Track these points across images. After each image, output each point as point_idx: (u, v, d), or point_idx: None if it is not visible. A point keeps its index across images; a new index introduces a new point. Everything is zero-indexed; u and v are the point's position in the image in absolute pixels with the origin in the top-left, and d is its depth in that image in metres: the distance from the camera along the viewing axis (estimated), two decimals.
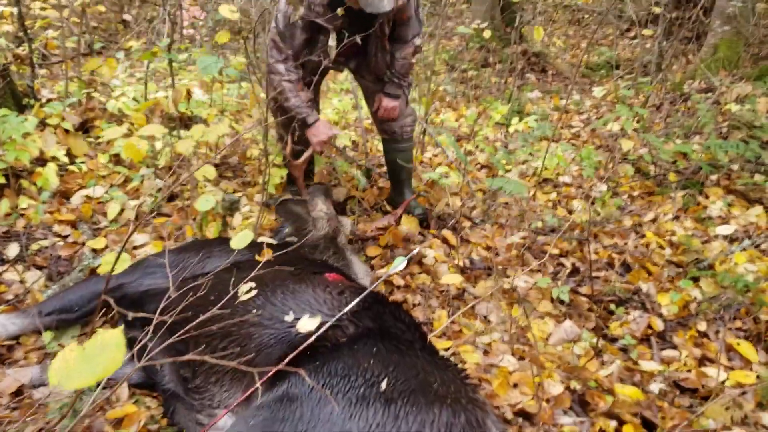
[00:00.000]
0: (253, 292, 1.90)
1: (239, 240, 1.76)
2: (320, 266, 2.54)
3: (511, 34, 6.03)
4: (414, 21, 3.28)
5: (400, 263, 1.86)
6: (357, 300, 1.89)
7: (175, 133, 3.17)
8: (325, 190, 3.34)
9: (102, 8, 6.93)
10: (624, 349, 2.74)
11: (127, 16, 7.53)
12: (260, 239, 2.66)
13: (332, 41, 3.09)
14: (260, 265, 1.98)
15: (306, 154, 3.21)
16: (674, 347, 2.75)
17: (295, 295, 2.08)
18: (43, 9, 4.95)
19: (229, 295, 1.87)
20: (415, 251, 1.98)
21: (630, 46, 9.13)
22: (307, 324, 1.83)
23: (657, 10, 5.89)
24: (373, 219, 3.61)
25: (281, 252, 2.71)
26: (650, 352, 2.72)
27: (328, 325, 1.88)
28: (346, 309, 1.88)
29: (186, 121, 3.75)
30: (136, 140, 2.63)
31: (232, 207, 2.96)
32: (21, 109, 3.90)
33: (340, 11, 2.86)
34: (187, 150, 2.47)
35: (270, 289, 2.11)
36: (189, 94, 3.48)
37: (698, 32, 7.25)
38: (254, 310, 2.03)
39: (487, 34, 5.50)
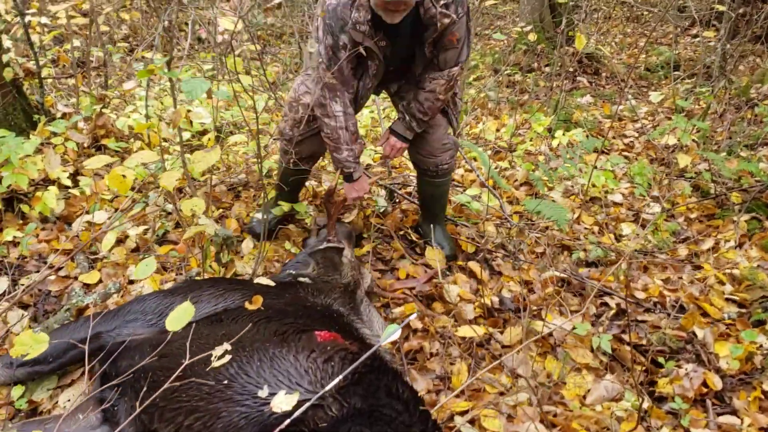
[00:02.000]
0: (227, 358, 1.62)
1: (174, 321, 1.46)
2: (317, 316, 2.24)
3: (557, 36, 5.58)
4: (465, 46, 2.80)
5: (393, 331, 1.55)
6: (345, 373, 1.59)
7: (170, 158, 2.92)
8: (348, 233, 3.04)
9: (137, 14, 6.81)
10: (674, 413, 2.34)
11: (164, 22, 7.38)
12: (256, 279, 2.40)
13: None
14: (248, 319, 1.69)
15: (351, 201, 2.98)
16: (734, 412, 2.34)
17: (274, 362, 1.78)
18: (71, 17, 4.81)
19: (203, 355, 1.59)
20: (412, 316, 1.65)
21: (692, 44, 8.52)
22: (283, 402, 1.55)
23: (721, 8, 5.36)
24: (394, 250, 3.28)
25: (279, 289, 2.44)
26: (705, 418, 2.31)
27: (306, 405, 1.57)
28: (330, 385, 1.57)
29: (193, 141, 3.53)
30: (122, 169, 2.38)
31: (226, 242, 2.68)
32: (33, 125, 3.73)
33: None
34: (170, 184, 2.21)
35: (246, 354, 1.81)
36: (189, 114, 3.23)
37: None
38: (225, 381, 1.74)
39: (532, 37, 5.09)
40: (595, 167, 3.91)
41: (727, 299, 3.01)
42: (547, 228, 3.59)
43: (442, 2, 2.61)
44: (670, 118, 5.60)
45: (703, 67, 6.22)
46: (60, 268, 2.89)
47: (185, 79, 2.20)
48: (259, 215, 3.20)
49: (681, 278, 3.18)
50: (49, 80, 4.22)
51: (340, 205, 2.90)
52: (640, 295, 3.04)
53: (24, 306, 2.66)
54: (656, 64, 7.64)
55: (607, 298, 2.99)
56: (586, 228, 3.73)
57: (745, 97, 5.52)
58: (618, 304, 2.93)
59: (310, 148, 3.04)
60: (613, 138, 5.24)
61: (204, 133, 3.94)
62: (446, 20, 2.61)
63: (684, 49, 8.30)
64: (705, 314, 2.91)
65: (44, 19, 4.54)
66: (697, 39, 8.33)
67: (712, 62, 6.09)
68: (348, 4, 2.56)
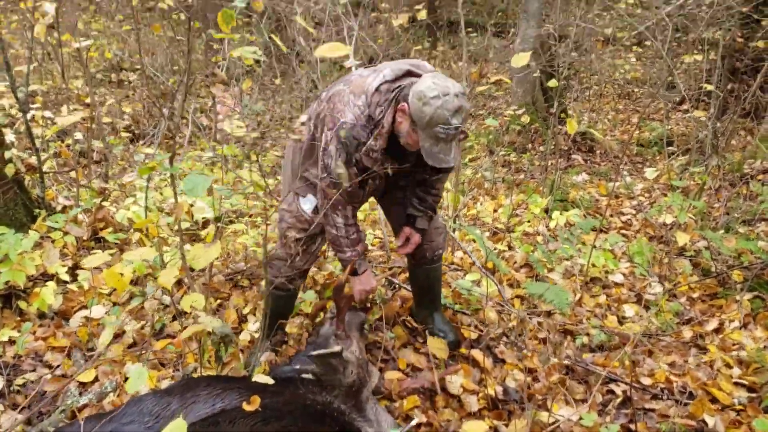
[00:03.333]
0: None
1: None
2: (316, 416, 2.18)
3: (550, 118, 5.69)
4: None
5: None
6: None
7: (169, 250, 2.93)
8: (361, 324, 2.99)
9: (139, 105, 6.96)
10: None
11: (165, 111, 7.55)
12: (255, 377, 2.36)
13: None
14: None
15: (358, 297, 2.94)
16: None
17: None
18: (75, 110, 4.92)
19: None
20: (413, 422, 1.61)
21: (683, 120, 8.68)
22: None
23: (709, 87, 5.49)
24: (396, 338, 3.23)
25: (278, 387, 2.39)
26: None
27: None
28: None
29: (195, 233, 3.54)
30: (120, 267, 2.38)
31: (225, 340, 2.65)
32: (33, 219, 3.76)
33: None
34: (168, 282, 2.20)
35: None
36: (191, 208, 3.26)
37: (757, 106, 6.78)
38: None
39: (525, 119, 5.19)
40: (594, 246, 3.91)
41: (735, 383, 2.95)
42: (549, 312, 3.56)
43: None
44: (666, 195, 5.65)
45: (695, 143, 6.32)
46: (56, 367, 2.85)
47: (186, 177, 2.22)
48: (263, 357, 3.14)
49: (687, 362, 3.13)
50: (51, 173, 4.28)
51: (350, 300, 2.86)
52: (647, 380, 2.98)
53: (18, 407, 2.61)
54: (649, 140, 7.76)
55: (613, 385, 2.93)
56: (588, 310, 3.69)
57: (739, 172, 5.58)
58: (624, 392, 2.87)
59: (307, 265, 3.05)
60: (611, 216, 5.27)
61: (205, 224, 3.96)
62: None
63: (676, 124, 8.45)
64: (714, 400, 2.84)
65: (48, 113, 4.64)
66: (688, 114, 8.50)
67: (704, 137, 6.19)
68: (365, 126, 2.54)
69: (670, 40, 6.58)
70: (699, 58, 6.72)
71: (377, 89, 2.53)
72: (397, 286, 3.76)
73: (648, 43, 9.64)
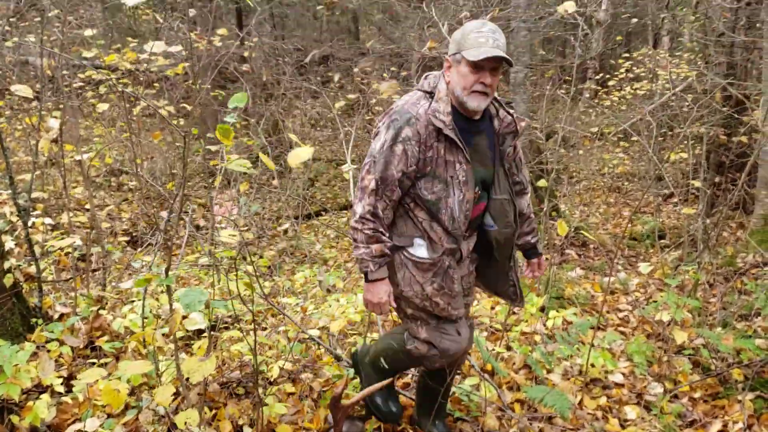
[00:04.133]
0: None
1: None
2: None
3: (541, 215, 5.79)
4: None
5: None
6: None
7: (164, 360, 2.91)
8: None
9: (135, 207, 7.07)
10: None
11: (163, 213, 7.67)
12: None
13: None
14: None
15: (357, 397, 2.84)
16: None
17: None
18: (74, 217, 5.00)
19: None
20: None
21: (674, 212, 8.84)
22: None
23: (697, 184, 5.63)
24: None
25: None
26: None
27: None
28: None
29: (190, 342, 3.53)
30: (116, 383, 2.37)
31: None
32: (30, 328, 3.75)
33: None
34: (165, 400, 2.19)
35: None
36: (183, 319, 3.27)
37: (744, 200, 6.93)
38: None
39: None
40: (592, 345, 3.90)
41: None
42: (551, 417, 3.51)
43: (510, 111, 2.76)
44: (661, 290, 5.68)
45: (687, 236, 6.41)
46: None
47: (183, 292, 2.25)
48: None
49: None
50: (49, 281, 4.31)
51: (347, 410, 2.82)
52: None
53: None
54: (641, 233, 7.86)
55: None
56: (589, 413, 3.64)
57: (732, 267, 5.63)
58: None
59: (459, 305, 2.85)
60: (608, 312, 5.27)
61: (200, 331, 3.95)
62: (523, 123, 2.75)
63: (667, 217, 8.59)
64: None
65: (48, 220, 4.71)
66: (678, 207, 8.65)
67: (695, 230, 6.29)
68: (416, 104, 2.59)
69: (656, 136, 6.79)
70: (685, 155, 6.92)
71: (424, 77, 2.72)
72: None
73: (635, 138, 9.95)
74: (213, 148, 5.75)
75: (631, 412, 3.64)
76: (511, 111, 2.76)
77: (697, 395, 3.81)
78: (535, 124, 7.64)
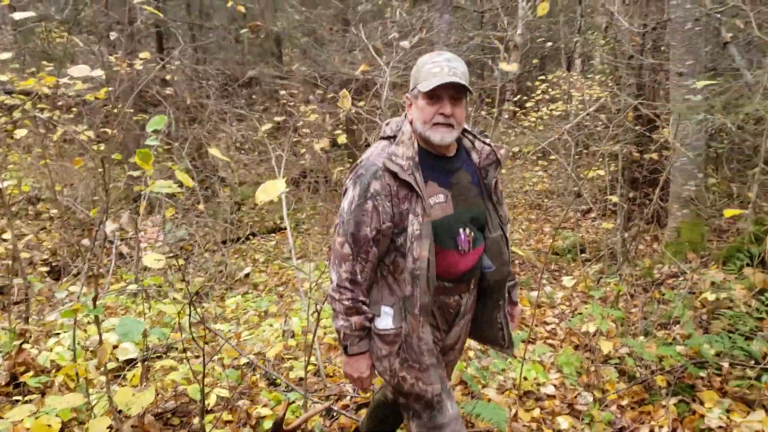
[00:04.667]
0: None
1: None
2: None
3: None
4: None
5: None
6: None
7: (95, 392, 2.81)
8: None
9: (55, 235, 6.80)
10: None
11: (85, 241, 7.41)
12: None
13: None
14: None
15: (298, 421, 2.71)
16: None
17: None
18: None
19: None
20: None
21: (593, 227, 9.20)
22: None
23: (614, 199, 5.90)
24: None
25: None
26: None
27: None
28: None
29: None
30: (47, 419, 2.27)
31: None
32: None
33: None
34: None
35: None
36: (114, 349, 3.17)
37: (659, 213, 7.30)
38: None
39: None
40: (524, 359, 4.01)
41: None
42: (488, 431, 3.57)
43: (486, 140, 2.55)
44: (585, 302, 5.89)
45: (607, 249, 6.69)
46: None
47: (120, 322, 2.19)
48: None
49: None
50: None
51: None
52: None
53: None
54: (563, 248, 8.14)
55: None
56: (524, 425, 3.73)
57: (650, 277, 5.91)
58: None
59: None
60: (536, 326, 5.42)
61: (130, 362, 3.83)
62: (503, 151, 2.51)
63: (586, 232, 8.93)
64: None
65: None
66: (596, 222, 9.02)
67: (614, 244, 6.57)
68: (380, 154, 2.37)
69: (573, 154, 7.08)
70: (602, 173, 7.23)
71: (385, 123, 2.52)
72: (335, 414, 3.71)
73: (553, 157, 10.31)
74: (136, 173, 5.62)
75: (564, 422, 3.76)
76: (488, 140, 2.56)
77: (624, 402, 3.97)
78: None
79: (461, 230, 2.41)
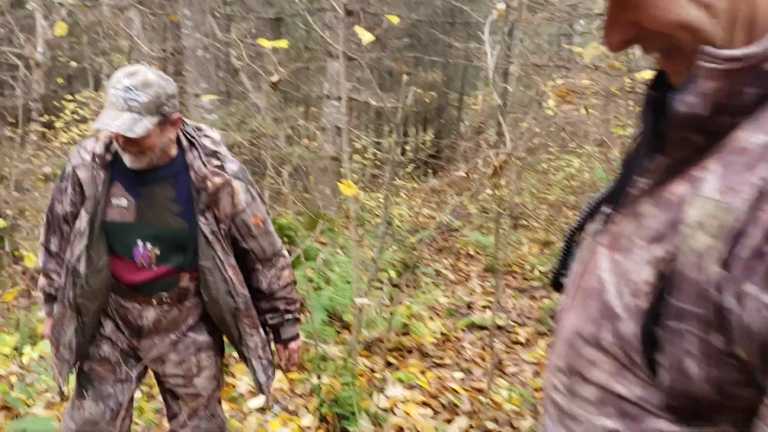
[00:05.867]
0: None
1: None
2: None
3: (2, 255, 5.67)
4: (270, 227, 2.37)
5: None
6: None
7: None
8: None
9: None
10: None
11: None
12: None
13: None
14: None
15: None
16: None
17: None
18: None
19: None
20: None
21: None
22: None
23: None
24: None
25: None
26: None
27: None
28: None
29: None
30: None
31: None
32: None
33: None
34: None
35: None
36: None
37: None
38: None
39: None
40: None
41: None
42: None
43: (214, 162, 2.19)
44: None
45: None
46: None
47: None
48: None
49: None
50: None
51: None
52: None
53: None
54: None
55: None
56: None
57: None
58: None
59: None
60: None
61: None
62: (217, 179, 2.14)
63: None
64: None
65: None
66: None
67: None
68: (85, 145, 2.21)
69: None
70: None
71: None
72: None
73: None
74: None
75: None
76: (215, 163, 2.19)
77: None
78: None
79: (140, 242, 2.17)
